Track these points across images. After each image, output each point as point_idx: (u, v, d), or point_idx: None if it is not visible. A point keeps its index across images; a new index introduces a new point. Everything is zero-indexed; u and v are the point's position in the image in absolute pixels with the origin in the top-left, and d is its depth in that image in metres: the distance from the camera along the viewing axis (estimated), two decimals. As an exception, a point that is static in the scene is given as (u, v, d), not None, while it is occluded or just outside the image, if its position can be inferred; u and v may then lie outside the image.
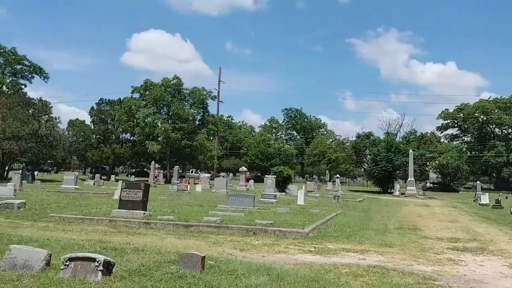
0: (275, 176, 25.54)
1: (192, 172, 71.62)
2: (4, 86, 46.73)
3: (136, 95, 54.45)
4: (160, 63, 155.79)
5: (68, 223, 12.63)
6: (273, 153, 68.60)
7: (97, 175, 52.18)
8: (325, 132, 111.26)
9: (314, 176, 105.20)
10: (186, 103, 54.75)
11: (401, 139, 56.71)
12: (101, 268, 5.78)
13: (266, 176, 25.25)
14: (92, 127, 58.82)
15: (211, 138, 58.71)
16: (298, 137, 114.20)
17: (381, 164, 49.15)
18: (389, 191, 49.46)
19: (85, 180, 45.13)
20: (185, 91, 54.60)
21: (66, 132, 58.53)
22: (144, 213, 13.46)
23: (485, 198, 34.19)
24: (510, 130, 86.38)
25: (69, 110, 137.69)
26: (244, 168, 40.64)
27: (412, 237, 12.38)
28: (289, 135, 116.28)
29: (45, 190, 27.19)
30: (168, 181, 51.25)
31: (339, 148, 71.70)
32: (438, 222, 17.59)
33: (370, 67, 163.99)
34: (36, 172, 58.98)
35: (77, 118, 61.27)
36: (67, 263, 5.90)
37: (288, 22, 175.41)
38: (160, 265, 6.86)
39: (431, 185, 66.74)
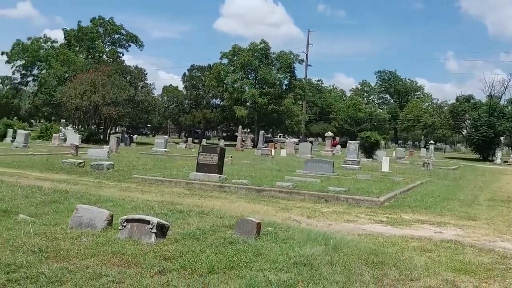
0: (358, 141, 24.56)
1: (280, 137, 72.06)
2: (104, 55, 49.92)
3: (225, 61, 55.31)
4: (252, 28, 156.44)
5: (149, 184, 13.25)
6: (363, 117, 66.31)
7: (190, 139, 54.64)
8: (421, 96, 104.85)
9: (408, 142, 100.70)
10: (273, 68, 54.50)
11: (506, 102, 51.51)
12: (154, 230, 5.88)
13: (349, 141, 24.45)
14: (185, 92, 61.21)
15: (298, 102, 58.13)
16: (392, 101, 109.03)
17: (482, 129, 45.30)
18: (490, 158, 45.66)
19: (178, 144, 47.53)
20: (272, 56, 54.30)
21: (161, 98, 61.58)
22: (219, 176, 13.68)
23: None
24: None
25: (167, 76, 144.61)
26: (330, 133, 39.81)
27: (503, 210, 11.20)
28: (382, 99, 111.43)
29: (138, 152, 28.95)
30: (255, 145, 52.12)
31: (436, 112, 67.20)
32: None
33: (476, 23, 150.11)
34: (135, 136, 63.29)
35: (170, 84, 64.19)
36: (124, 224, 6.08)
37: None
38: (217, 229, 6.85)
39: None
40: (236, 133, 72.49)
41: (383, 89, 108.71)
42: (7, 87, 53.68)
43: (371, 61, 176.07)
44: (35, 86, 51.30)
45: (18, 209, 7.82)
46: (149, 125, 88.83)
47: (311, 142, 60.40)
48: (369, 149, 35.00)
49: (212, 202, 10.61)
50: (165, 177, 13.98)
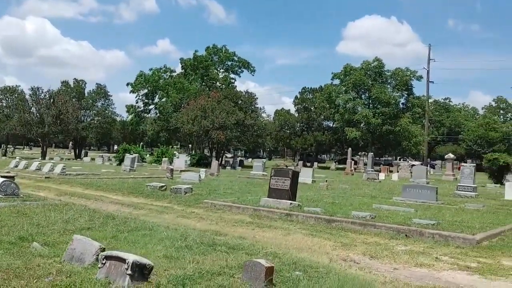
0: (473, 164, 21.11)
1: (400, 159, 67.35)
2: (217, 82, 51.81)
3: (336, 81, 53.64)
4: (376, 49, 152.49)
5: (215, 210, 12.41)
6: (496, 137, 58.91)
7: (300, 162, 53.62)
8: None
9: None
10: (388, 86, 51.28)
11: None
12: (129, 271, 4.82)
13: (462, 164, 21.17)
14: (296, 115, 60.70)
15: (418, 122, 53.74)
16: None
17: None
18: None
19: (287, 167, 46.77)
20: (386, 73, 51.19)
21: (273, 122, 61.87)
22: (291, 203, 12.28)
23: None
24: None
25: (289, 101, 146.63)
26: (450, 155, 35.52)
27: None
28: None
29: (237, 176, 28.66)
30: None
31: None
32: None
33: None
34: (249, 159, 64.33)
35: (282, 108, 64.22)
36: (104, 262, 5.14)
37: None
38: (222, 271, 5.56)
39: None
40: (352, 157, 69.90)
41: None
42: (132, 115, 58.70)
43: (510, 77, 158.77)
44: (156, 114, 55.19)
45: (42, 235, 7.41)
46: (266, 149, 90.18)
47: (432, 165, 55.23)
48: (497, 173, 30.36)
49: (265, 233, 9.32)
50: (234, 203, 13.00)
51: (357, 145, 56.28)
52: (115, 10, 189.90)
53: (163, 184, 16.56)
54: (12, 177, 14.00)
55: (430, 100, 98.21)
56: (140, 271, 4.92)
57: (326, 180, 22.24)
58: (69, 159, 46.70)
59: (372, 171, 31.74)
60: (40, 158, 41.83)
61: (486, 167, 32.23)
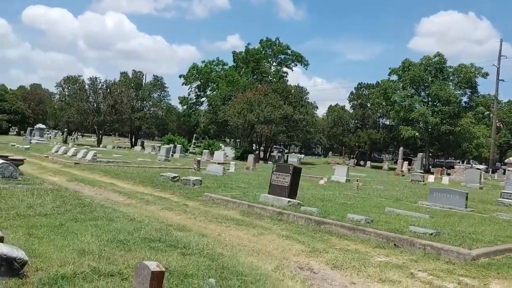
0: (520, 169, 18.85)
1: (464, 162, 63.10)
2: (269, 76, 51.14)
3: (394, 77, 51.03)
4: (451, 46, 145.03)
5: (211, 204, 11.81)
6: None
7: (352, 161, 51.79)
8: None
9: None
10: (450, 83, 47.93)
11: None
12: (-6, 265, 4.32)
13: (508, 169, 19.03)
14: (351, 112, 58.53)
15: (481, 122, 49.86)
16: None
17: None
18: None
19: (338, 164, 45.22)
20: (448, 70, 47.84)
21: (327, 118, 60.19)
22: (289, 201, 11.38)
23: None
24: None
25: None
26: (511, 159, 32.27)
27: None
28: None
29: (269, 171, 27.86)
30: (427, 170, 46.41)
31: None
32: None
33: None
34: (302, 156, 63.25)
35: (337, 104, 62.26)
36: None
37: None
38: (119, 272, 4.91)
39: None
40: (410, 157, 66.53)
41: None
42: (185, 106, 59.50)
43: None
44: (208, 106, 55.53)
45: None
46: (321, 146, 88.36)
47: (495, 170, 51.00)
48: None
49: (238, 232, 8.56)
50: (232, 198, 12.29)
51: (414, 145, 53.31)
52: (188, 6, 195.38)
53: (176, 175, 16.19)
54: (21, 160, 14.21)
55: (504, 101, 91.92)
56: (8, 266, 4.40)
57: (357, 180, 20.89)
58: (122, 147, 48.21)
59: (419, 172, 29.64)
60: (96, 146, 43.50)
61: (551, 174, 29.02)
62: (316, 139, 73.16)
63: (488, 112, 49.84)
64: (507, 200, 16.94)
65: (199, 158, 23.20)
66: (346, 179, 23.11)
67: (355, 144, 55.94)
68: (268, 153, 47.69)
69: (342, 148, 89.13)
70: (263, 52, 53.16)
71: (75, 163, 20.63)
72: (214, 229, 8.60)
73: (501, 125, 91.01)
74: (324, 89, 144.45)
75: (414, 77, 47.15)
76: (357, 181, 20.29)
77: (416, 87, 48.68)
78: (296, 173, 11.87)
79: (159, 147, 47.19)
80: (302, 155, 68.42)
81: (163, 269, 4.60)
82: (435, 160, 66.58)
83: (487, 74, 47.18)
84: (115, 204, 10.48)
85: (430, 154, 65.25)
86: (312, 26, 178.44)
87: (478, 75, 47.31)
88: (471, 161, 61.29)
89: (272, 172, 12.30)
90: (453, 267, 6.93)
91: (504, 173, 47.26)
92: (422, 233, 8.44)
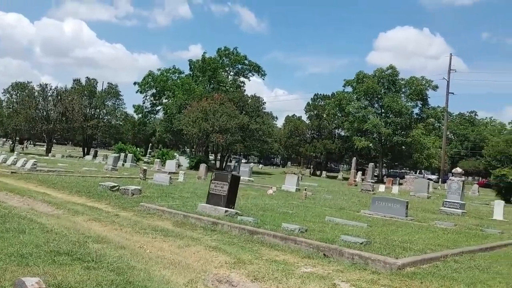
0: (463, 179, 19.36)
1: (416, 172, 64.85)
2: (225, 85, 50.90)
3: (349, 89, 51.94)
4: (407, 60, 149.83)
5: (145, 214, 11.28)
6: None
7: (308, 170, 52.07)
8: None
9: None
10: (402, 95, 49.24)
11: None
12: None
13: (450, 178, 19.49)
14: (308, 122, 59.07)
15: (432, 134, 51.42)
16: None
17: None
18: None
19: (294, 174, 45.33)
20: (400, 82, 49.16)
21: (283, 128, 60.47)
22: (226, 210, 11.04)
23: None
24: None
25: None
26: (458, 169, 33.25)
27: None
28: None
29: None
30: (380, 180, 47.26)
31: None
32: None
33: None
34: (252, 165, 62.97)
35: (294, 114, 62.71)
36: None
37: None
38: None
39: None
40: (365, 167, 67.70)
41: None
42: (140, 115, 58.31)
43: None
44: (163, 115, 54.57)
45: None
46: (279, 156, 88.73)
47: (444, 180, 52.54)
48: (505, 191, 28.30)
49: (163, 243, 8.11)
50: (169, 208, 11.83)
51: (368, 155, 54.28)
52: (150, 14, 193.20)
53: (115, 184, 15.53)
54: None
55: (455, 113, 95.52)
56: None
57: (306, 189, 20.84)
58: (74, 157, 46.46)
59: (369, 182, 30.02)
60: (45, 155, 41.74)
61: (494, 184, 30.16)
62: (275, 149, 73.38)
63: (438, 124, 51.43)
64: (448, 209, 17.28)
65: (145, 167, 22.51)
66: (296, 188, 23.02)
67: (311, 154, 56.38)
68: (224, 163, 47.29)
69: (300, 158, 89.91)
70: (220, 61, 52.93)
71: (12, 172, 19.52)
72: (137, 241, 8.13)
73: (452, 136, 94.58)
74: (285, 100, 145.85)
75: (368, 89, 48.14)
76: (305, 190, 20.22)
77: (370, 98, 49.71)
78: (234, 181, 11.57)
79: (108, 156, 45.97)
80: (260, 165, 68.45)
81: (43, 286, 4.16)
82: (390, 170, 68.04)
83: (436, 87, 48.89)
84: (37, 215, 9.81)
85: (385, 164, 66.72)
86: (274, 38, 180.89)
87: (428, 88, 48.89)
88: (423, 171, 63.02)
89: (211, 181, 11.95)
90: (378, 277, 6.78)
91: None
92: (353, 243, 8.30)
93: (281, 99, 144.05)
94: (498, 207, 16.47)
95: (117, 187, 15.32)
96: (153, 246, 7.82)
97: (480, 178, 79.24)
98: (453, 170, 35.24)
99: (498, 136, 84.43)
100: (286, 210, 13.43)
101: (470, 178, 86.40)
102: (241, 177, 26.93)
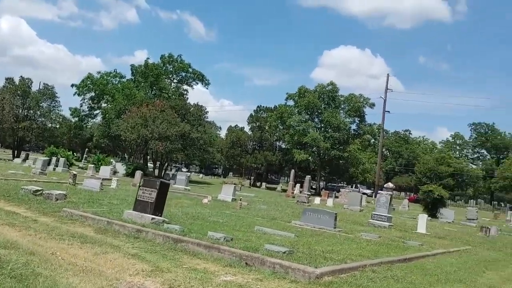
0: (390, 193, 20.20)
1: (352, 186, 66.83)
2: (167, 92, 50.19)
3: (291, 102, 52.89)
4: (350, 79, 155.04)
5: (67, 220, 10.74)
6: (444, 172, 59.19)
7: (248, 181, 52.21)
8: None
9: (505, 204, 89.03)
10: (341, 111, 50.82)
11: None
12: None
13: (379, 192, 20.24)
14: (250, 133, 59.42)
15: (367, 150, 53.38)
16: (488, 157, 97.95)
17: None
18: None
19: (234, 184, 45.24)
20: (340, 98, 50.77)
21: (226, 138, 60.48)
22: (153, 218, 10.76)
23: None
24: None
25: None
26: (390, 185, 34.89)
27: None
28: (477, 154, 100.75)
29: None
30: (317, 193, 48.26)
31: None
32: None
33: None
34: (201, 175, 62.41)
35: (236, 125, 62.92)
36: None
37: (490, 33, 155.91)
38: None
39: None
40: (304, 179, 68.95)
41: (478, 143, 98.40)
42: (76, 118, 56.14)
43: (475, 115, 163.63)
44: (101, 119, 52.85)
45: None
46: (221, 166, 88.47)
47: (367, 193, 54.69)
48: (431, 206, 29.76)
49: (79, 250, 7.73)
50: (94, 214, 11.35)
51: (307, 168, 55.33)
52: (95, 16, 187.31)
53: (39, 188, 14.75)
54: None
55: (391, 131, 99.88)
56: None
57: (241, 199, 20.86)
58: (2, 159, 43.76)
59: (305, 194, 30.57)
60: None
61: (422, 199, 31.67)
62: (217, 159, 73.10)
63: (374, 140, 53.47)
64: (376, 221, 17.88)
65: (75, 172, 21.58)
66: (232, 198, 22.97)
67: (252, 165, 56.71)
68: (164, 171, 46.43)
69: (241, 169, 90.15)
70: (164, 68, 52.16)
71: None
72: (50, 247, 7.69)
73: (387, 153, 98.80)
74: (230, 111, 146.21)
75: (309, 103, 49.28)
76: (240, 200, 20.22)
77: (310, 113, 50.89)
78: (163, 188, 11.31)
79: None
80: (201, 175, 67.88)
81: None
82: (328, 184, 69.78)
83: (373, 104, 50.92)
84: None
85: (323, 178, 68.33)
86: (222, 48, 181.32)
87: (366, 105, 50.84)
88: (358, 185, 65.09)
89: (139, 187, 11.62)
90: (296, 285, 6.83)
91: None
92: (276, 252, 8.33)
93: (227, 109, 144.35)
94: (422, 220, 17.25)
95: (41, 192, 14.55)
96: (67, 253, 7.43)
97: (411, 194, 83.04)
98: (385, 185, 36.92)
99: (429, 155, 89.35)
100: (217, 219, 13.31)
101: (402, 193, 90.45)
102: (177, 186, 26.65)
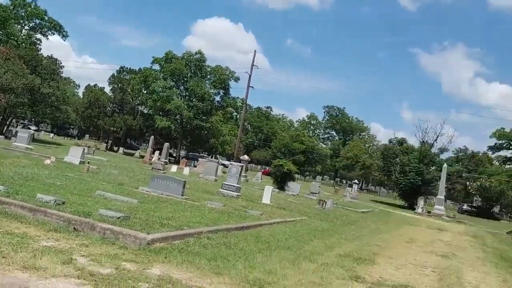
0: (242, 164, 21.01)
1: (213, 157, 68.04)
2: (18, 39, 44.75)
3: (156, 67, 51.25)
4: (221, 51, 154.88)
5: None
6: (297, 148, 63.56)
7: (105, 144, 49.65)
8: (366, 136, 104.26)
9: (350, 182, 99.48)
10: (207, 82, 50.90)
11: (437, 151, 49.33)
12: None
13: (231, 163, 20.91)
14: (110, 95, 56.26)
15: (230, 122, 54.67)
16: (337, 138, 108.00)
17: (410, 175, 43.15)
18: (415, 207, 43.45)
19: (89, 147, 42.50)
20: (207, 68, 50.74)
21: (82, 97, 56.50)
22: (-27, 176, 9.50)
23: (521, 232, 28.11)
24: None
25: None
26: (246, 157, 36.34)
27: (308, 271, 7.63)
28: (327, 134, 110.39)
29: (-6, 145, 24.19)
30: (177, 161, 47.98)
31: (368, 152, 65.84)
32: (422, 254, 12.52)
33: (432, 79, 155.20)
34: (52, 135, 57.58)
35: (95, 84, 59.07)
36: None
37: (351, 25, 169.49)
38: None
39: (468, 208, 59.46)
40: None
41: (330, 124, 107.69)
42: None
43: (331, 100, 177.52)
44: None
45: None
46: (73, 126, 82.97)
47: (226, 164, 56.68)
48: (280, 179, 31.67)
49: None
50: None
51: (169, 136, 54.64)
52: None
53: None
54: None
55: (254, 107, 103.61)
56: None
57: (89, 162, 19.71)
58: None
59: (162, 162, 30.18)
60: None
61: (272, 173, 33.55)
62: (71, 119, 68.03)
63: (236, 114, 54.82)
64: (226, 191, 18.37)
65: None
66: (80, 161, 21.54)
67: (111, 128, 54.01)
68: (6, 127, 41.74)
69: (99, 132, 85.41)
70: (14, 11, 46.17)
71: None
72: None
73: (249, 127, 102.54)
74: (95, 69, 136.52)
75: (175, 70, 48.32)
76: (88, 163, 19.08)
77: (176, 80, 50.00)
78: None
79: None
80: (52, 134, 62.58)
81: None
82: (190, 153, 70.00)
83: (238, 78, 51.83)
84: None
85: (185, 147, 68.27)
86: (90, 2, 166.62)
87: (231, 79, 51.57)
88: (218, 156, 66.52)
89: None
90: (123, 251, 6.61)
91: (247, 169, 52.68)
92: (110, 217, 7.96)
93: (90, 67, 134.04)
94: (267, 192, 18.22)
95: None
96: None
97: (267, 167, 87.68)
98: (241, 157, 38.29)
99: (286, 132, 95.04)
100: (54, 182, 12.30)
101: (259, 166, 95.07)
102: (18, 144, 24.22)
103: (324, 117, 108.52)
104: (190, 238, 8.05)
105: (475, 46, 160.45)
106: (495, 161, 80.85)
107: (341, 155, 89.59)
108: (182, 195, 13.93)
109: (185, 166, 37.10)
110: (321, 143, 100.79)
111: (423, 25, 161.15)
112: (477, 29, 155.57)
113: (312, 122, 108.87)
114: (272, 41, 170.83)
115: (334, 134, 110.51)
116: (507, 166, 79.80)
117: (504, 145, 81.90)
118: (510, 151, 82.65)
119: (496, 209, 68.54)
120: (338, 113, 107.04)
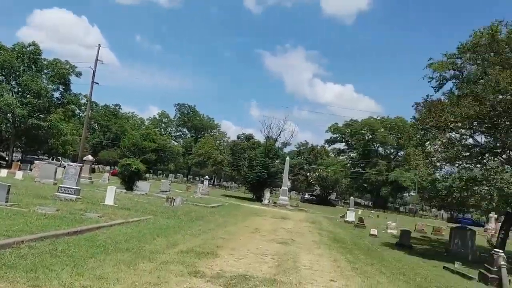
0: (80, 164, 19.61)
1: (53, 159, 62.30)
2: None
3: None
4: (62, 44, 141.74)
5: None
6: (148, 147, 61.94)
7: None
8: (217, 133, 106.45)
9: (202, 178, 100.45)
10: (44, 76, 46.32)
11: (281, 145, 52.74)
12: None
13: (68, 163, 19.37)
14: None
15: (72, 120, 50.72)
16: (189, 135, 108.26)
17: (257, 169, 45.22)
18: (262, 199, 45.70)
19: None
20: (43, 62, 46.16)
21: None
22: None
23: (351, 215, 31.58)
24: (392, 150, 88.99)
25: None
26: (90, 157, 34.03)
27: (166, 271, 7.39)
28: (180, 132, 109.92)
29: None
30: (9, 165, 42.72)
31: (218, 149, 67.53)
32: (264, 242, 13.05)
33: (276, 79, 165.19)
34: None
35: None
36: None
37: (199, 24, 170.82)
38: None
39: (309, 197, 64.89)
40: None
41: (181, 122, 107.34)
42: None
43: (181, 97, 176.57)
44: None
45: None
46: None
47: (64, 164, 52.89)
48: (128, 179, 30.32)
49: None
50: None
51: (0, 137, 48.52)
52: None
53: None
54: None
55: (101, 104, 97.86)
56: None
57: None
58: None
59: (-12, 165, 26.47)
60: None
61: (120, 172, 31.98)
62: None
63: (79, 111, 51.04)
64: (63, 194, 16.84)
65: None
66: None
67: None
68: None
69: None
70: None
71: None
72: None
73: (96, 126, 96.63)
74: None
75: (4, 62, 42.93)
76: None
77: (6, 74, 44.47)
78: None
79: None
80: None
81: None
82: (27, 156, 63.02)
83: (80, 73, 48.04)
84: None
85: (21, 149, 61.28)
86: None
87: (72, 73, 47.71)
88: (60, 158, 61.20)
89: None
90: None
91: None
92: None
93: None
94: (110, 193, 17.17)
95: None
96: None
97: (116, 167, 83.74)
98: (84, 158, 35.77)
99: (136, 130, 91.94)
100: None
101: (108, 167, 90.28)
102: None
103: (175, 114, 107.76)
104: (7, 249, 7.03)
105: (313, 49, 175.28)
106: (331, 153, 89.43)
107: (193, 152, 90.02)
108: (7, 202, 12.30)
109: (18, 169, 33.28)
110: (173, 141, 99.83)
111: (267, 28, 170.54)
112: (314, 33, 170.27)
113: (163, 120, 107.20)
114: (120, 36, 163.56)
115: (186, 131, 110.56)
116: (340, 157, 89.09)
117: (338, 138, 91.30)
118: (343, 143, 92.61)
119: (333, 196, 76.21)
120: (189, 111, 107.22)
